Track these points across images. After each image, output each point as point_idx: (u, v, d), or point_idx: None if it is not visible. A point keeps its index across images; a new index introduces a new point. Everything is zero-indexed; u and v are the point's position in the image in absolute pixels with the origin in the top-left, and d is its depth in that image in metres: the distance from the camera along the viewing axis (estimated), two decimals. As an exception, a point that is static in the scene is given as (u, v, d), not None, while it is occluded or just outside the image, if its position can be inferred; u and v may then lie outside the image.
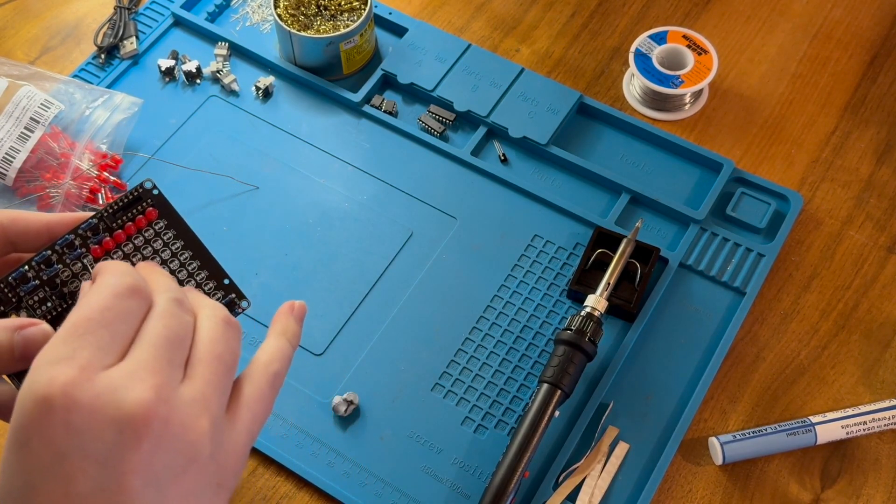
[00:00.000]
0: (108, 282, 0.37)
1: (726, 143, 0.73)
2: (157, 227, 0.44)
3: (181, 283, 0.44)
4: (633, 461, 0.59)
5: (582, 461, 0.59)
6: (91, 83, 0.75)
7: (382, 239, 0.68)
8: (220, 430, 0.36)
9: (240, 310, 0.45)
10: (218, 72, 0.76)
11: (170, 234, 0.44)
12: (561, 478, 0.59)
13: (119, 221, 0.43)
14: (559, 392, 0.58)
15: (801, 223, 0.69)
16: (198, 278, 0.44)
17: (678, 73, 0.73)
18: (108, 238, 0.43)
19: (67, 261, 0.42)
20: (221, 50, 0.77)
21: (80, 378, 0.33)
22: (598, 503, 0.58)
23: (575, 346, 0.59)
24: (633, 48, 0.74)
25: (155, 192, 0.44)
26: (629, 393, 0.62)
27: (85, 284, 0.39)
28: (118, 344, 0.35)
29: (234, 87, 0.75)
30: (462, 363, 0.63)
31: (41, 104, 0.69)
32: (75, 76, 0.76)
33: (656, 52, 0.74)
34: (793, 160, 0.72)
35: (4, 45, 0.80)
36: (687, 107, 0.75)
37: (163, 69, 0.76)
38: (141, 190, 0.44)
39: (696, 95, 0.75)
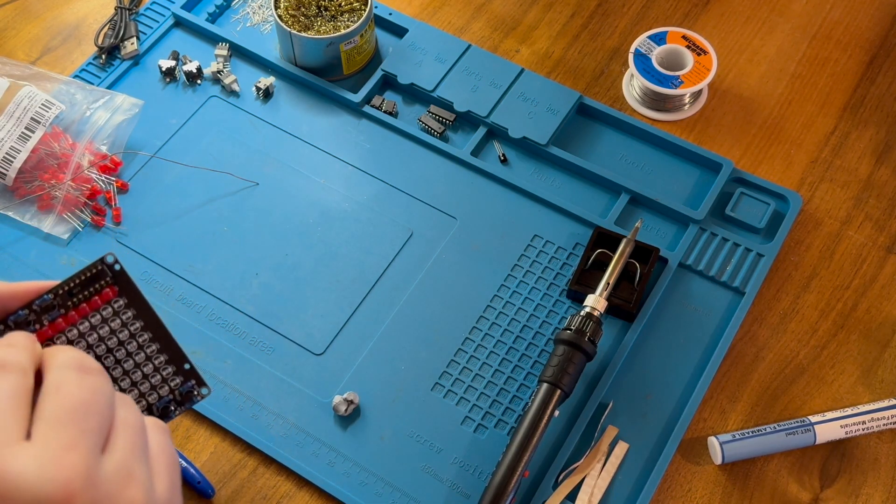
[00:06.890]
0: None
1: (725, 143, 0.73)
2: (115, 306, 0.41)
3: (137, 365, 0.42)
4: (633, 461, 0.59)
5: (581, 461, 0.59)
6: (92, 84, 0.75)
7: (382, 239, 0.68)
8: None
9: (199, 398, 0.42)
10: (218, 72, 0.76)
11: (129, 314, 0.41)
12: (560, 477, 0.59)
13: (75, 300, 0.41)
14: (559, 392, 0.58)
15: (800, 223, 0.69)
16: (156, 362, 0.42)
17: (677, 73, 0.73)
18: (61, 318, 0.40)
19: None
20: (222, 50, 0.77)
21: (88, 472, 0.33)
22: (598, 503, 0.58)
23: (574, 346, 0.59)
24: (632, 49, 0.75)
25: (116, 267, 0.41)
26: (629, 392, 0.62)
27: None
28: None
29: (235, 87, 0.75)
30: (462, 363, 0.63)
31: (42, 104, 0.69)
32: (76, 77, 0.76)
33: (656, 53, 0.74)
34: (792, 160, 0.72)
35: (5, 45, 0.80)
36: (686, 107, 0.75)
37: (163, 70, 0.76)
38: (101, 266, 0.41)
39: (696, 96, 0.75)
